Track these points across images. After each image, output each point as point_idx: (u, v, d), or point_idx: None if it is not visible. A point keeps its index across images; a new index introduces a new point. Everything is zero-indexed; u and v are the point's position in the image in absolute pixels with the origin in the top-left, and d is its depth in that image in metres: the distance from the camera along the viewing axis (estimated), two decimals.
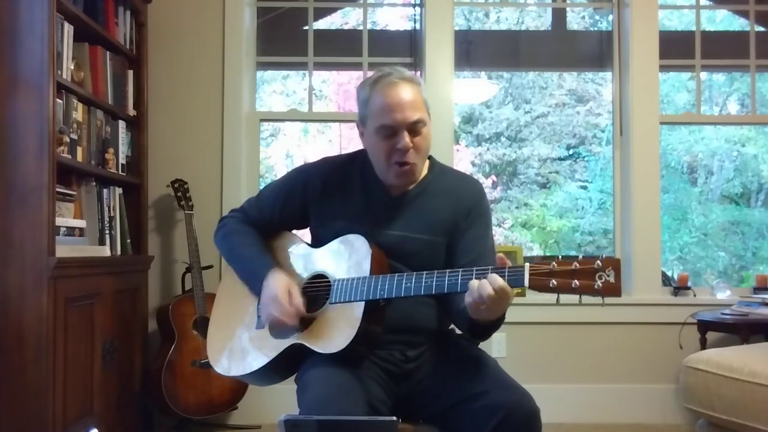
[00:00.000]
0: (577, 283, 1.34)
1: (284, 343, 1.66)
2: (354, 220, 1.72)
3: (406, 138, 1.64)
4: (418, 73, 3.57)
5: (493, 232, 1.88)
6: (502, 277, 1.40)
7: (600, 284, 1.33)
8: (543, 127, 7.30)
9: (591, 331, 3.43)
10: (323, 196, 1.78)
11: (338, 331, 1.58)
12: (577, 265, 1.35)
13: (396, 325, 1.65)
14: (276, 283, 1.66)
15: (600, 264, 1.34)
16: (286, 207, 1.84)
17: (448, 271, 1.49)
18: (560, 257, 1.39)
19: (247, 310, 1.79)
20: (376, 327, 1.60)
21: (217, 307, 1.89)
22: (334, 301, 1.63)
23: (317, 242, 1.79)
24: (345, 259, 1.67)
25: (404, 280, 1.53)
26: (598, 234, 7.07)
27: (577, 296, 1.37)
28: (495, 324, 1.55)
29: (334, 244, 1.71)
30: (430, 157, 1.83)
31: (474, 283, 1.41)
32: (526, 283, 1.38)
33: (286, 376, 1.76)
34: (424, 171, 1.79)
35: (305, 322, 1.65)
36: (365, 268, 1.60)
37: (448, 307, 1.68)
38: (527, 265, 1.39)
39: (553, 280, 1.36)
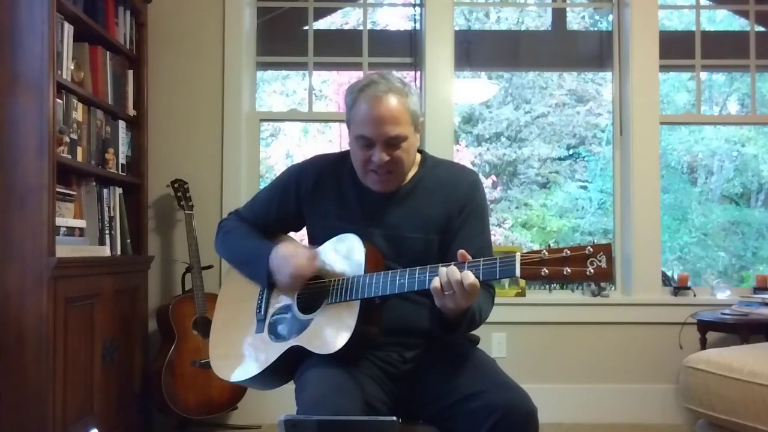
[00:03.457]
0: (569, 270, 1.32)
1: (284, 346, 1.66)
2: (346, 220, 1.73)
3: (381, 153, 1.64)
4: (418, 73, 3.57)
5: (492, 231, 1.87)
6: (493, 267, 1.40)
7: (592, 270, 1.31)
8: (543, 127, 7.29)
9: (591, 331, 3.43)
10: (316, 195, 1.79)
11: (335, 331, 1.58)
12: (568, 252, 1.33)
13: (393, 326, 1.65)
14: (282, 249, 1.71)
15: (591, 250, 1.32)
16: (281, 207, 1.84)
17: (440, 264, 1.48)
18: (550, 245, 1.37)
19: (248, 315, 1.79)
20: (373, 326, 1.61)
21: (218, 313, 1.90)
22: (331, 301, 1.63)
23: (313, 242, 1.80)
24: (341, 258, 1.67)
25: (398, 277, 1.53)
26: (598, 234, 7.06)
27: (570, 284, 1.36)
28: (462, 322, 1.55)
29: (330, 244, 1.71)
30: (422, 152, 1.83)
31: (443, 269, 1.43)
32: (518, 272, 1.37)
33: (287, 380, 1.76)
34: (416, 167, 1.78)
35: (305, 323, 1.65)
36: (360, 267, 1.61)
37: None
38: (518, 254, 1.38)
39: (545, 269, 1.34)
